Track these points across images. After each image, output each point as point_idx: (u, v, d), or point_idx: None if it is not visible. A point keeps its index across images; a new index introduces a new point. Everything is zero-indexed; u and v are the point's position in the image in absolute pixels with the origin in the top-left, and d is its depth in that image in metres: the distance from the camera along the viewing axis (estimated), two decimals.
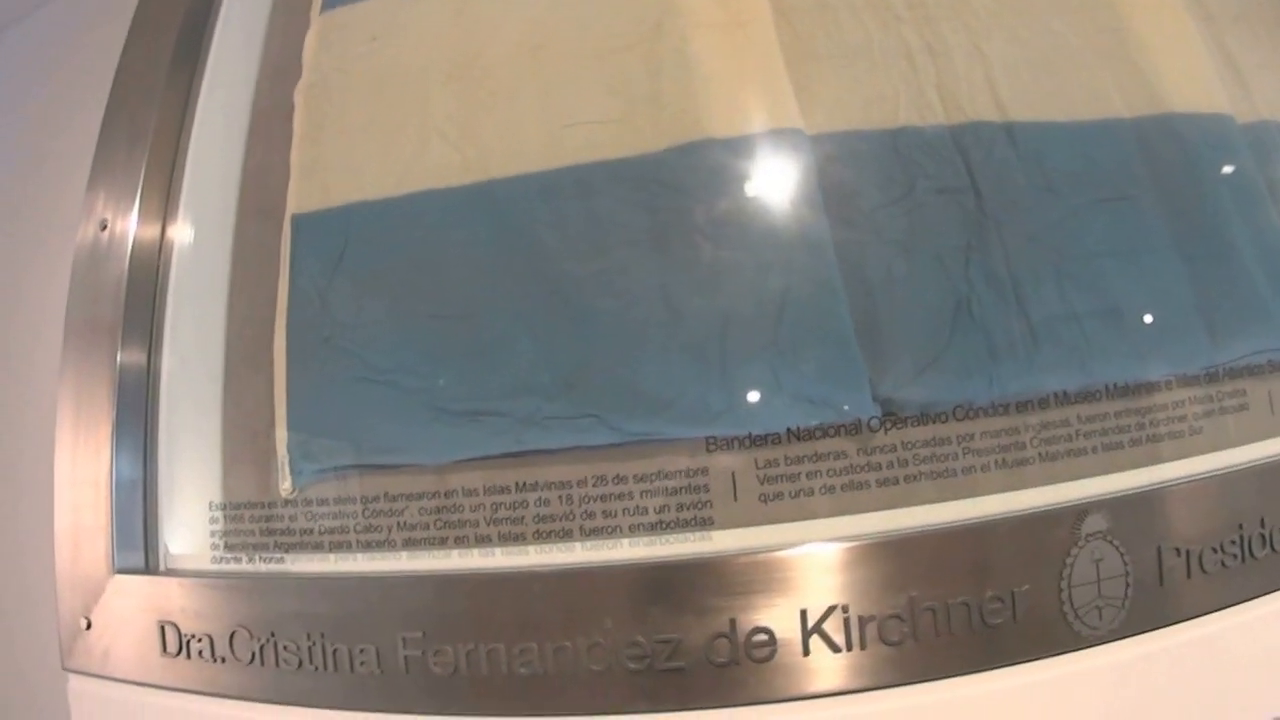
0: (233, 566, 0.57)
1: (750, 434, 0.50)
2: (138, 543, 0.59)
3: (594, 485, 0.51)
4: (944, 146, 0.55)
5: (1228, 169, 0.60)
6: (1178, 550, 0.51)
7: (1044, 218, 0.56)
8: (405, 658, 0.50)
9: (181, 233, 0.63)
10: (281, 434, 0.56)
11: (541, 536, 0.51)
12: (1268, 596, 0.53)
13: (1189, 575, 0.51)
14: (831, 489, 0.50)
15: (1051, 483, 0.52)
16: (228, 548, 0.58)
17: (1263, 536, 0.53)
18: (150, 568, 0.59)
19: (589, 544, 0.51)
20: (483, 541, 0.52)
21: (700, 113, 0.55)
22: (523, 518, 0.51)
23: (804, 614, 0.48)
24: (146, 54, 0.64)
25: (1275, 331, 0.58)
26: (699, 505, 0.50)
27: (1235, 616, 0.52)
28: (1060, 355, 0.54)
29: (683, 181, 0.54)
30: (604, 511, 0.51)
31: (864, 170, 0.55)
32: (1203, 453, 0.55)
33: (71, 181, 0.64)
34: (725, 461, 0.50)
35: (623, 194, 0.54)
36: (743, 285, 0.53)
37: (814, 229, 0.54)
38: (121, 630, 0.57)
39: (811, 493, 0.50)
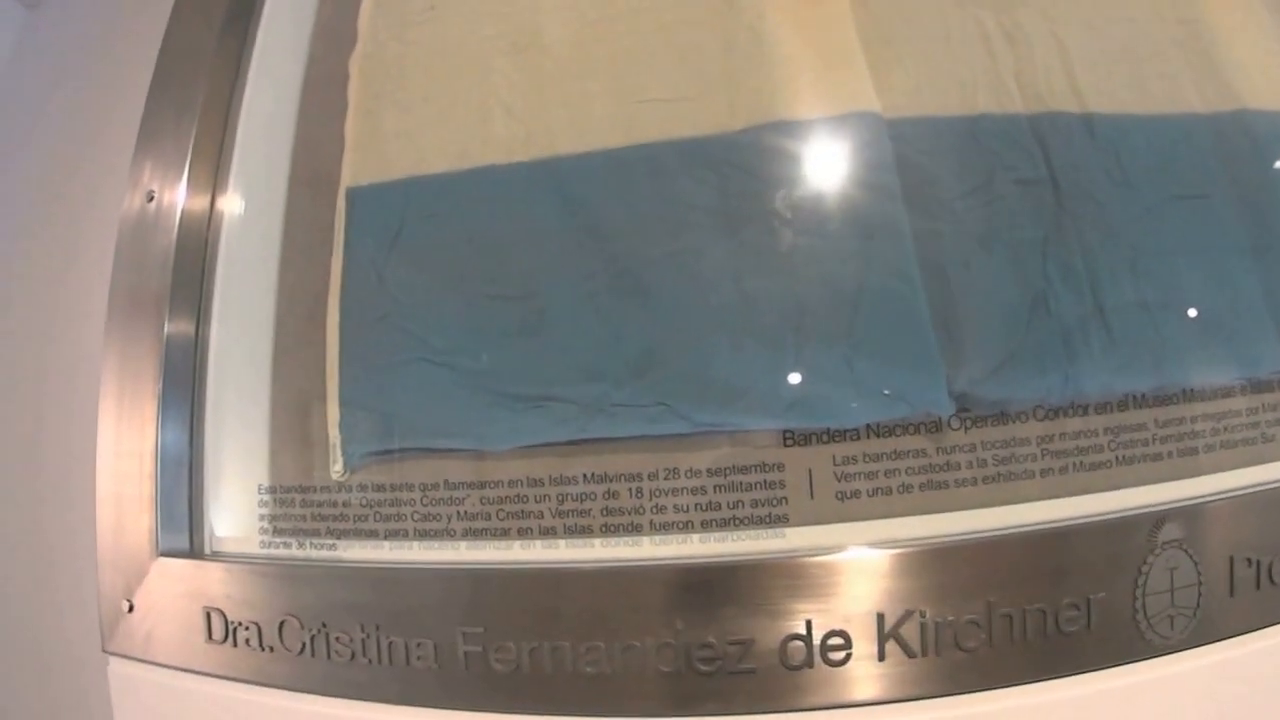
0: (282, 552, 0.53)
1: (829, 429, 0.47)
2: (182, 525, 0.55)
3: (665, 478, 0.47)
4: (1023, 136, 0.52)
5: None
6: (1249, 560, 0.48)
7: (1121, 213, 0.52)
8: (465, 653, 0.47)
9: (230, 204, 0.59)
10: (333, 414, 0.52)
11: (610, 530, 0.48)
12: None
13: (1258, 586, 0.49)
14: (909, 488, 0.47)
15: (1127, 487, 0.49)
16: (276, 532, 0.54)
17: None
18: (195, 550, 0.55)
19: (658, 539, 0.47)
20: (547, 534, 0.48)
21: (775, 93, 0.51)
22: (590, 510, 0.48)
23: (880, 618, 0.44)
24: (195, 21, 0.60)
25: None
26: (774, 502, 0.47)
27: None
28: (1135, 355, 0.50)
29: (757, 164, 0.50)
30: (675, 506, 0.47)
31: (942, 158, 0.51)
32: (1276, 460, 0.52)
33: (119, 153, 0.59)
34: (802, 457, 0.47)
35: (695, 174, 0.50)
36: (818, 273, 0.49)
37: (891, 216, 0.50)
38: (165, 614, 0.53)
39: (889, 491, 0.47)
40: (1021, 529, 0.47)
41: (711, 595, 0.45)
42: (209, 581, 0.52)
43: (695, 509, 0.47)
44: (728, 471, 0.47)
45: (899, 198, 0.50)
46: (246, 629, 0.50)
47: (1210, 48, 0.57)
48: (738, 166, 0.50)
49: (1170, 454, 0.50)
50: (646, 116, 0.51)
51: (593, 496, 0.48)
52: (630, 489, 0.47)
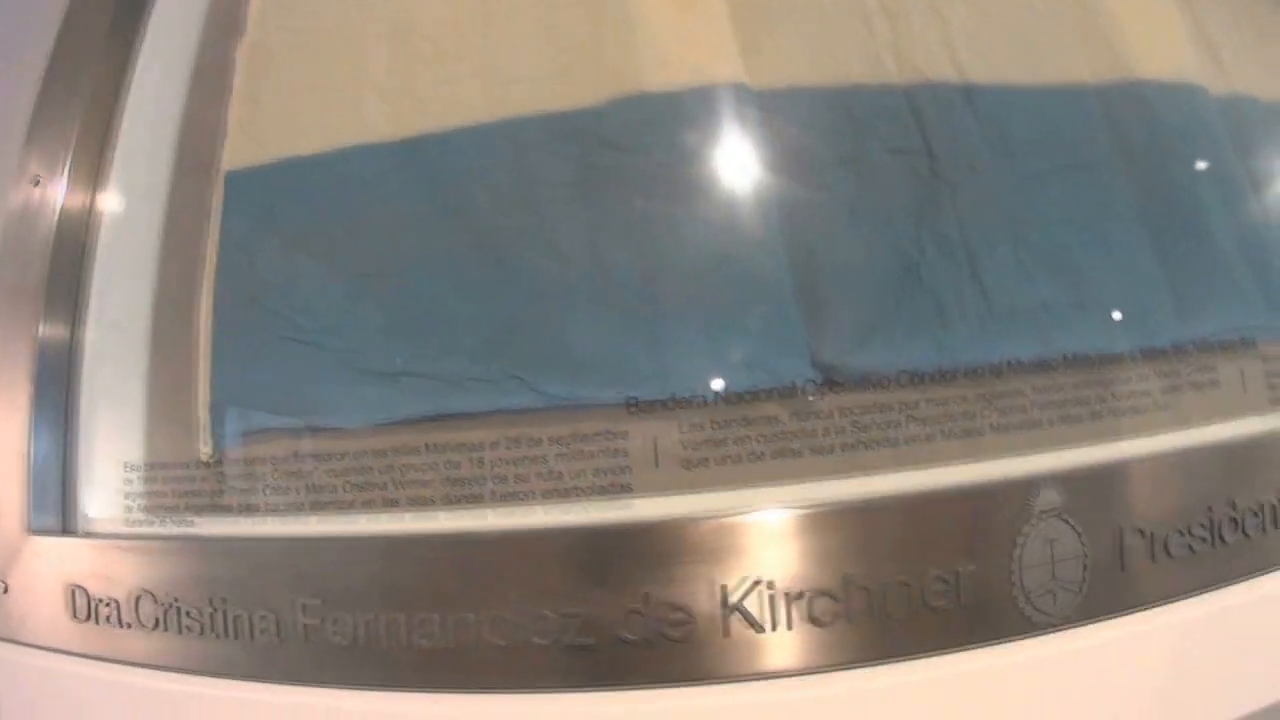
0: (143, 529, 0.50)
1: (674, 396, 0.42)
2: (55, 503, 0.52)
3: (506, 448, 0.43)
4: (898, 107, 0.48)
5: (1198, 140, 0.52)
6: (1141, 532, 0.43)
7: (1002, 183, 0.48)
8: (305, 626, 0.43)
9: (115, 189, 0.57)
10: (203, 396, 0.49)
11: (451, 501, 0.43)
12: (1238, 584, 0.45)
13: (1153, 559, 0.43)
14: (760, 456, 0.42)
15: (1003, 456, 0.44)
16: (141, 509, 0.50)
17: (1233, 520, 0.45)
18: (67, 530, 0.52)
19: (502, 510, 0.43)
20: (390, 506, 0.44)
21: (640, 66, 0.47)
22: (431, 481, 0.44)
23: (724, 590, 0.40)
24: (89, 11, 0.58)
25: (1247, 307, 0.49)
26: (617, 471, 0.42)
27: (1203, 605, 0.44)
28: (1016, 324, 0.46)
29: (620, 137, 0.47)
30: (516, 476, 0.43)
31: (812, 129, 0.47)
32: (1169, 430, 0.46)
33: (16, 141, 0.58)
34: (646, 425, 0.42)
35: (557, 148, 0.47)
36: (677, 244, 0.45)
37: (755, 187, 0.46)
38: (36, 595, 0.50)
39: (739, 460, 0.42)
40: (880, 498, 0.41)
41: (545, 567, 0.41)
42: (74, 559, 0.49)
43: (536, 479, 0.43)
44: (569, 440, 0.43)
45: (765, 168, 0.47)
46: (107, 605, 0.47)
47: (1103, 20, 0.53)
48: (601, 140, 0.47)
49: (1050, 421, 0.44)
50: (513, 94, 0.48)
51: (434, 467, 0.44)
52: (470, 459, 0.43)
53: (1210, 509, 0.44)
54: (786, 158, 0.47)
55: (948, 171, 0.47)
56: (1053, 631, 0.42)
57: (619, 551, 0.40)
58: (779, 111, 0.47)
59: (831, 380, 0.43)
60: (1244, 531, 0.45)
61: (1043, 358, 0.45)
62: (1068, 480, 0.43)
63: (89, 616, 0.47)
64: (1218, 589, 0.44)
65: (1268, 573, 0.45)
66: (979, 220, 0.47)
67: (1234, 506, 0.45)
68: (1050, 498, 0.42)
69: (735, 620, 0.40)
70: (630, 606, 0.40)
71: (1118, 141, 0.50)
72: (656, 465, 0.42)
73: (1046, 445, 0.44)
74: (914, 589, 0.40)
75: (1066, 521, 0.42)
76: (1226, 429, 0.47)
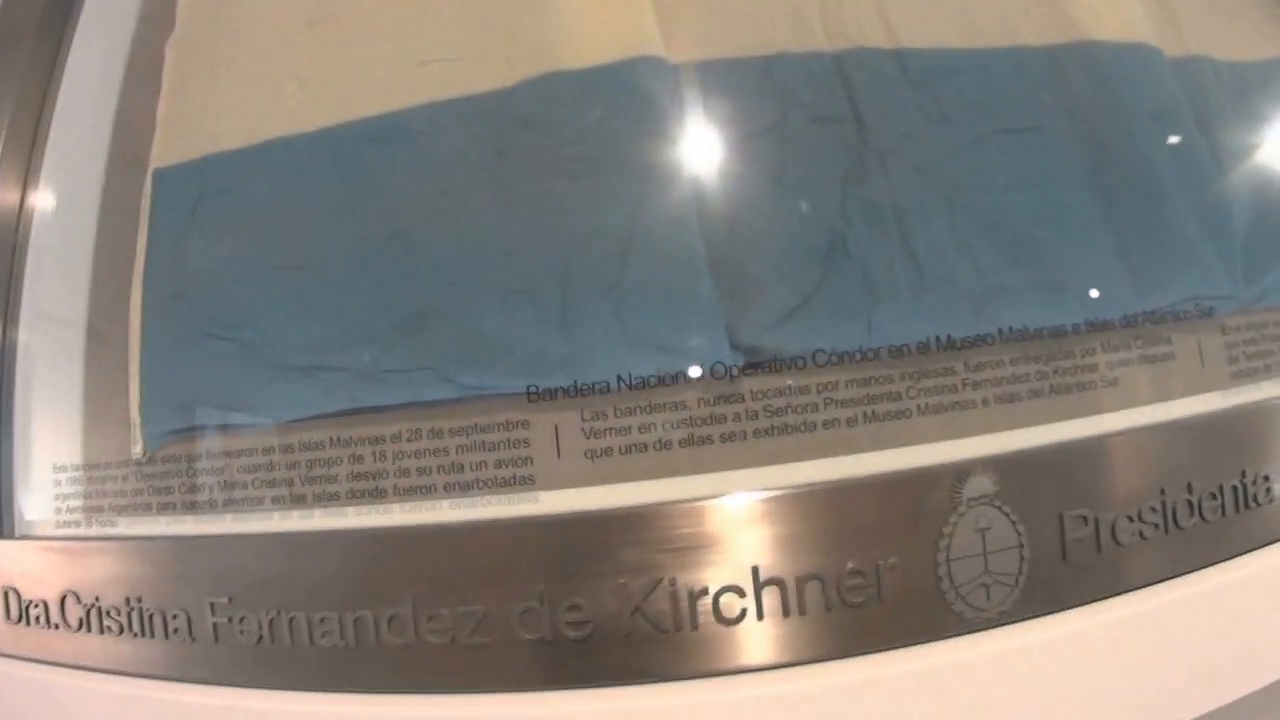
0: (70, 530, 0.49)
1: (575, 383, 0.40)
2: None
3: (409, 439, 0.41)
4: (824, 73, 0.44)
5: (1152, 102, 0.48)
6: (1084, 519, 0.40)
7: (936, 148, 0.44)
8: (214, 625, 0.41)
9: (47, 186, 0.56)
10: (134, 394, 0.48)
11: (357, 496, 0.42)
12: (1195, 574, 0.41)
13: (1099, 549, 0.40)
14: (667, 444, 0.39)
15: (933, 440, 0.40)
16: (69, 510, 0.50)
17: (1190, 504, 0.41)
18: (4, 533, 0.51)
19: (407, 505, 0.41)
20: (299, 502, 0.42)
21: (553, 44, 0.45)
22: (337, 476, 0.42)
23: (624, 588, 0.37)
24: (19, 6, 0.57)
25: (1205, 277, 0.45)
26: (518, 463, 0.40)
27: (1156, 597, 0.40)
28: (952, 297, 0.42)
29: (533, 117, 0.44)
30: (419, 469, 0.41)
31: (732, 101, 0.44)
32: (1119, 408, 0.42)
33: None
34: (548, 413, 0.40)
35: (469, 132, 0.44)
36: (587, 224, 0.43)
37: (671, 162, 0.43)
38: None
39: (644, 449, 0.39)
40: (792, 487, 0.38)
41: (444, 563, 0.39)
42: (7, 561, 0.48)
43: (438, 471, 0.41)
44: (469, 431, 0.40)
45: (680, 142, 0.44)
46: (36, 607, 0.46)
47: None
48: (514, 121, 0.44)
49: (985, 401, 0.41)
50: (428, 78, 0.46)
51: (339, 461, 0.42)
52: (374, 452, 0.41)
53: (1163, 492, 0.41)
54: (705, 131, 0.44)
55: (877, 139, 0.43)
56: (986, 629, 0.38)
57: (516, 548, 0.38)
58: (698, 84, 0.44)
59: (749, 362, 0.40)
60: (1201, 516, 0.41)
61: (978, 333, 0.41)
62: (1001, 464, 0.39)
63: (21, 618, 0.47)
64: (1172, 579, 0.40)
65: (1227, 560, 0.41)
66: (912, 189, 0.43)
67: (1190, 489, 0.41)
68: (981, 484, 0.39)
69: (639, 621, 0.37)
70: (526, 605, 0.37)
71: (1065, 104, 0.46)
72: (559, 456, 0.40)
73: (980, 428, 0.41)
74: (828, 585, 0.37)
75: (1000, 509, 0.39)
76: (1182, 406, 0.43)
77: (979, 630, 0.38)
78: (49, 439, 0.52)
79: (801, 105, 0.44)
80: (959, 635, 0.38)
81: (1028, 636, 0.39)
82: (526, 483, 0.40)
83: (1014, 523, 0.39)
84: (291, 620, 0.40)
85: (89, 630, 0.44)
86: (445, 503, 0.40)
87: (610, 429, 0.39)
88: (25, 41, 0.55)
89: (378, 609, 0.39)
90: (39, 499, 0.51)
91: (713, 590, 0.37)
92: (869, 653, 0.38)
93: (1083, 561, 0.40)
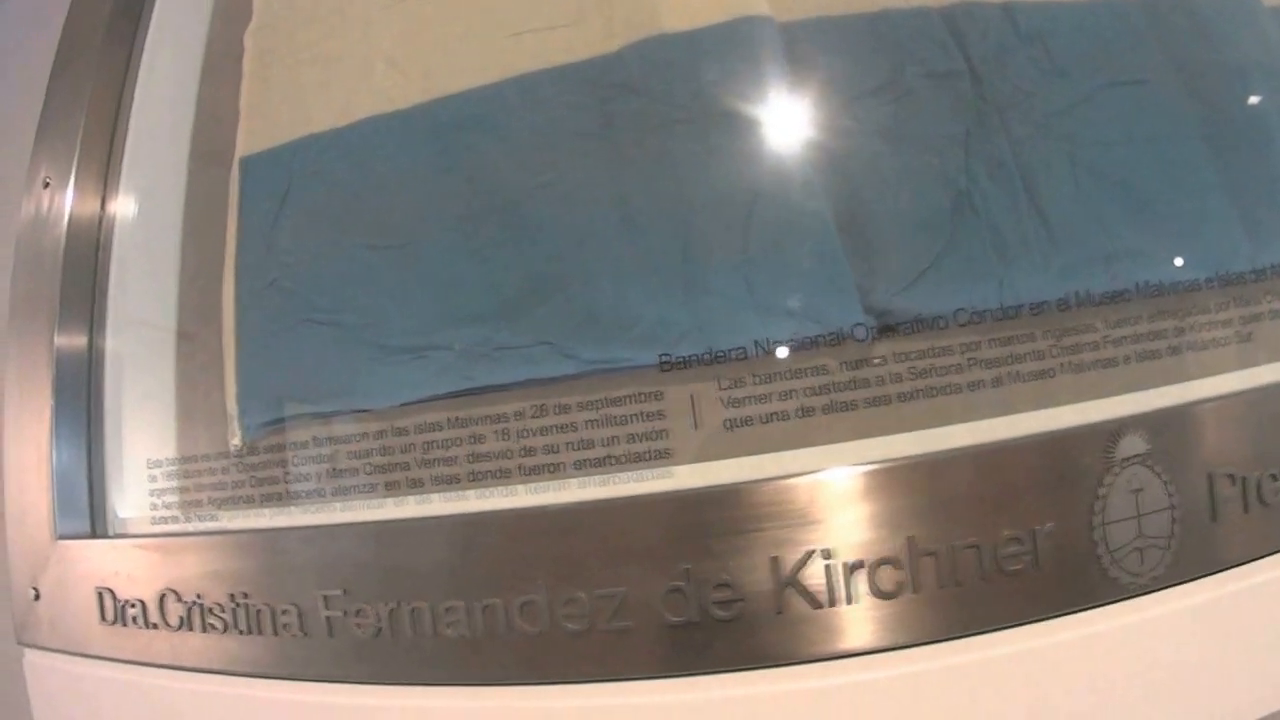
0: (168, 527, 0.44)
1: (710, 350, 0.35)
2: (82, 507, 0.47)
3: (532, 416, 0.36)
4: (933, 28, 0.40)
5: (1253, 50, 0.43)
6: (1232, 478, 0.35)
7: (1053, 103, 0.40)
8: (328, 619, 0.36)
9: (127, 186, 0.51)
10: (230, 386, 0.43)
11: (478, 479, 0.37)
12: None
13: (1245, 509, 0.35)
14: (810, 411, 0.35)
15: (1078, 400, 0.36)
16: (165, 507, 0.45)
17: None
18: (97, 533, 0.46)
19: (533, 486, 0.36)
20: (415, 487, 0.38)
21: (655, 7, 0.40)
22: (456, 458, 0.37)
23: (775, 562, 0.32)
24: (90, 7, 0.52)
25: None
26: (654, 436, 0.35)
27: None
28: (1081, 253, 0.38)
29: (640, 82, 0.40)
30: (545, 447, 0.36)
31: (841, 58, 0.40)
32: (1260, 364, 0.38)
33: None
34: (683, 383, 0.35)
35: (574, 100, 0.40)
36: (706, 189, 0.38)
37: (786, 123, 0.39)
38: (65, 599, 0.44)
39: (786, 417, 0.35)
40: (945, 452, 0.34)
41: (577, 544, 0.34)
42: (101, 561, 0.43)
43: (566, 449, 0.36)
44: (598, 405, 0.36)
45: (794, 103, 0.39)
46: (133, 606, 0.41)
47: None
48: (620, 87, 0.40)
49: (1127, 359, 0.37)
50: (522, 49, 0.42)
51: (458, 443, 0.37)
52: (496, 431, 0.37)
53: None
54: (818, 91, 0.40)
55: (994, 95, 0.39)
56: (1142, 595, 0.34)
57: (657, 525, 0.33)
58: (806, 43, 0.40)
59: (885, 325, 0.36)
60: None
61: (1114, 290, 0.37)
62: (1151, 423, 0.35)
63: (116, 619, 0.42)
64: None
65: None
66: (1033, 144, 0.39)
67: None
68: (1133, 443, 0.35)
69: (791, 595, 0.32)
70: (671, 585, 0.33)
71: (1168, 56, 0.42)
72: (696, 427, 0.35)
73: (1124, 386, 0.36)
74: (985, 552, 0.33)
75: (1151, 469, 0.34)
76: None
77: (1135, 596, 0.34)
78: (141, 435, 0.47)
79: (914, 61, 0.40)
80: (1115, 602, 0.34)
81: (1183, 601, 0.34)
82: (663, 456, 0.35)
83: (1165, 483, 0.35)
84: (413, 611, 0.35)
85: (190, 629, 0.39)
86: (574, 482, 0.36)
87: (748, 398, 0.35)
88: (96, 42, 0.50)
89: (509, 595, 0.34)
90: (132, 496, 0.46)
91: (869, 563, 0.32)
92: (1027, 622, 0.33)
93: (1231, 522, 0.35)
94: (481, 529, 0.35)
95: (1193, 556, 0.35)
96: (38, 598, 0.45)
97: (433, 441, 0.37)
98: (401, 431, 0.38)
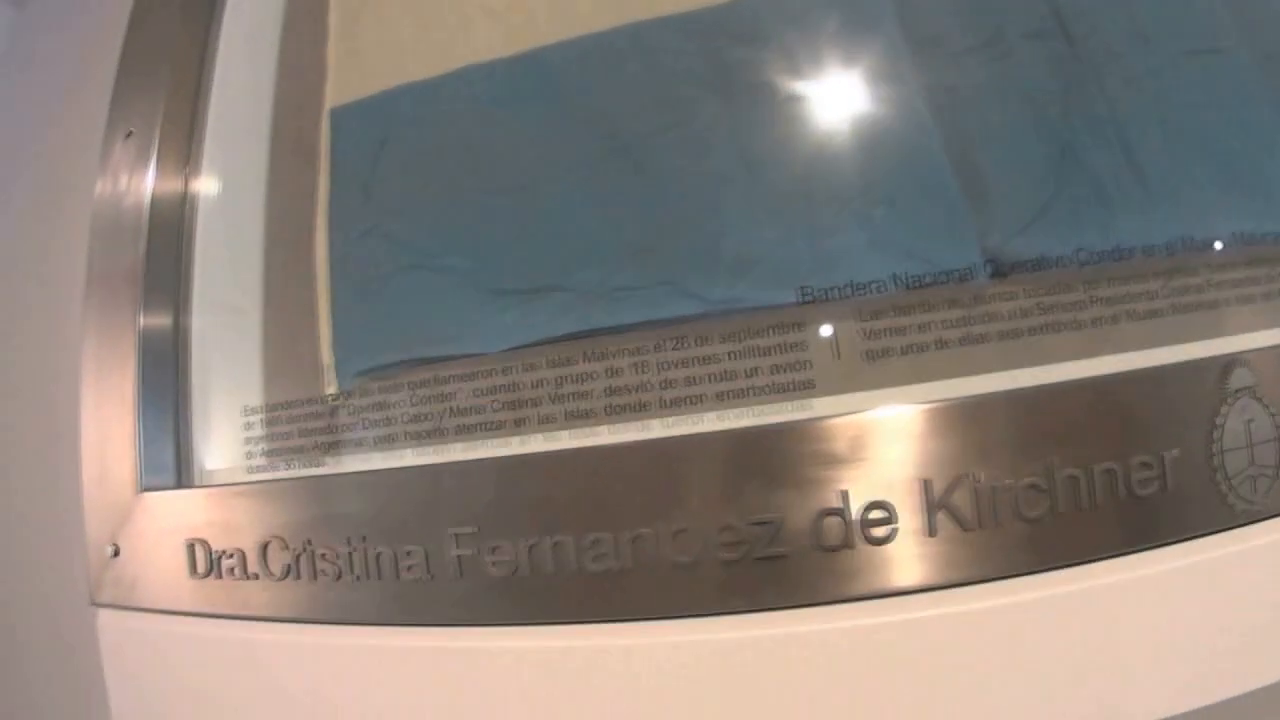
0: (268, 475, 0.42)
1: (852, 283, 0.35)
2: (168, 459, 0.44)
3: (673, 348, 0.35)
4: None
5: None
6: None
7: (1140, 66, 0.41)
8: (458, 558, 0.35)
9: (213, 133, 0.49)
10: (326, 334, 0.41)
11: (614, 412, 0.36)
12: None
13: None
14: (947, 344, 0.35)
15: (1189, 338, 0.36)
16: (264, 454, 0.42)
17: None
18: (182, 484, 0.43)
19: (670, 420, 0.35)
20: (546, 422, 0.36)
21: None
22: (591, 392, 0.36)
23: (927, 484, 0.32)
24: None
25: None
26: (796, 367, 0.35)
27: None
28: (1174, 206, 0.39)
29: (751, 30, 0.40)
30: (686, 379, 0.35)
31: (945, 13, 0.40)
32: None
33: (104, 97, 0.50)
34: (823, 315, 0.35)
35: (687, 48, 0.40)
36: (823, 131, 0.38)
37: (897, 72, 0.39)
38: (149, 554, 0.41)
39: (924, 349, 0.35)
40: (1077, 380, 0.34)
41: (729, 470, 0.33)
42: (192, 512, 0.41)
43: (708, 380, 0.35)
44: (741, 336, 0.35)
45: (905, 52, 0.39)
46: (230, 557, 0.39)
47: None
48: (732, 35, 0.40)
49: (1229, 301, 0.37)
50: None
51: (593, 376, 0.36)
52: (634, 365, 0.36)
53: None
54: (922, 44, 0.40)
55: (1087, 54, 0.40)
56: (1256, 522, 0.34)
57: (811, 448, 0.33)
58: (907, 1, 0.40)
59: (1005, 265, 0.36)
60: None
61: (1209, 237, 0.38)
62: (1256, 358, 0.35)
63: (210, 571, 0.39)
64: None
65: None
66: (1125, 102, 0.40)
67: None
68: (1243, 375, 0.35)
69: (942, 519, 0.32)
70: (826, 507, 0.32)
71: (1242, 24, 0.44)
72: (838, 357, 0.35)
73: (1229, 326, 0.37)
74: (1120, 476, 0.33)
75: (1260, 400, 0.35)
76: None
77: (1250, 523, 0.34)
78: (228, 385, 0.44)
79: (1012, 21, 0.40)
80: (1233, 528, 0.34)
81: None
82: (805, 388, 0.34)
83: (1272, 415, 0.35)
84: (556, 545, 0.33)
85: (298, 577, 0.37)
86: (712, 415, 0.35)
87: (888, 329, 0.35)
88: (174, 21, 0.48)
89: (658, 524, 0.33)
90: (220, 446, 0.44)
91: (1015, 487, 0.32)
92: (1160, 545, 0.33)
93: None
94: (628, 458, 0.34)
95: None
96: (116, 554, 0.42)
97: (566, 376, 0.36)
98: (531, 367, 0.37)
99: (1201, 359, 0.35)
